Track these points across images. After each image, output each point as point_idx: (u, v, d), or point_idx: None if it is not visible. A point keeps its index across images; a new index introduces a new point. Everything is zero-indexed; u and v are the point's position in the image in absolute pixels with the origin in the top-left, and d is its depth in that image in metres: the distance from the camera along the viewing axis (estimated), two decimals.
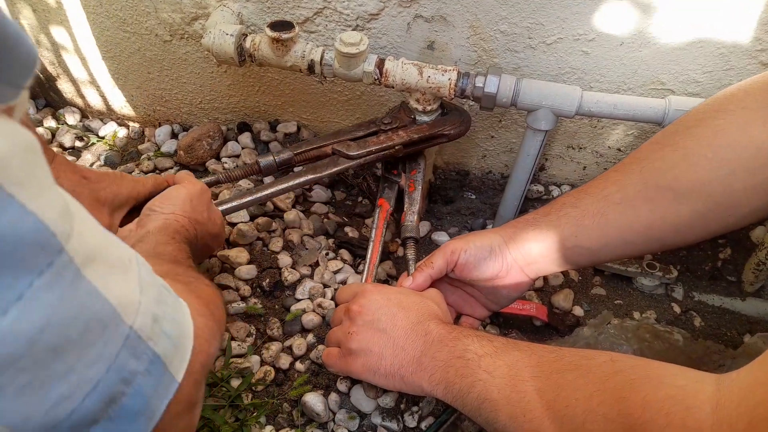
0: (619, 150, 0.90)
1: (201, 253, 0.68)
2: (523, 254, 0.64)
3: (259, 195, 0.77)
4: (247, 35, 0.81)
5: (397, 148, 0.77)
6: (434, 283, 0.67)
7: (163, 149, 1.06)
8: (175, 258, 0.53)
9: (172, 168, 1.03)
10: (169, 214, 0.60)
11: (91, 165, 1.04)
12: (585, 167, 0.94)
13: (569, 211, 0.62)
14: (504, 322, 0.85)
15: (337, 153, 0.78)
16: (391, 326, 0.59)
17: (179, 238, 0.57)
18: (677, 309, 0.89)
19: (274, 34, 0.76)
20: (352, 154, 0.77)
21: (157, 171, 1.03)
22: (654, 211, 0.58)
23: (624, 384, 0.43)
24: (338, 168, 0.78)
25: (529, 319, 0.84)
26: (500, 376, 0.51)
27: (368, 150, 0.77)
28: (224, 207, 0.75)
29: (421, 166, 0.81)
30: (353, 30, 0.82)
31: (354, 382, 0.70)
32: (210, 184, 0.79)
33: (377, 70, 0.77)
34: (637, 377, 0.43)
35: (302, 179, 0.77)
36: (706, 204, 0.56)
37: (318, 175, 0.77)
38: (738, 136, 0.54)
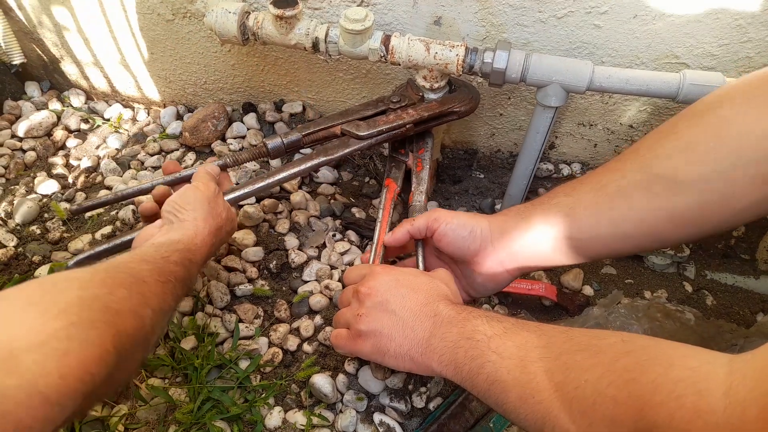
0: (630, 127, 0.88)
1: (216, 251, 0.70)
2: (505, 244, 0.63)
3: (270, 180, 0.75)
4: (250, 13, 0.80)
5: (407, 126, 0.76)
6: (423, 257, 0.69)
7: (168, 131, 1.05)
8: (167, 278, 0.54)
9: (177, 150, 1.02)
10: (191, 226, 0.62)
11: (97, 147, 1.03)
12: (596, 145, 0.92)
13: (562, 200, 0.61)
14: (513, 302, 0.84)
15: (346, 133, 0.77)
16: (400, 307, 0.59)
17: (188, 264, 0.59)
18: (689, 288, 0.88)
19: (278, 12, 0.74)
20: (362, 134, 0.76)
21: (163, 153, 1.02)
22: (650, 201, 0.56)
23: (634, 365, 0.42)
24: (349, 149, 0.76)
25: (538, 299, 0.84)
26: (509, 357, 0.51)
27: (379, 130, 0.76)
28: (235, 194, 0.73)
29: (428, 145, 0.80)
30: (358, 6, 0.80)
31: (362, 363, 0.70)
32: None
33: (383, 47, 0.76)
34: (648, 358, 0.42)
35: (313, 162, 0.76)
36: (704, 195, 0.55)
37: (329, 157, 0.76)
38: (742, 125, 0.53)
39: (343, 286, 0.78)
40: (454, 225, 0.64)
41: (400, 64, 0.77)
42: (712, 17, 0.72)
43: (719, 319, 0.83)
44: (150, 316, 0.48)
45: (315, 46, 0.78)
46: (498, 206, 0.97)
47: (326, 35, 0.77)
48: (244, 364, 0.70)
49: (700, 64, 0.76)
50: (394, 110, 0.78)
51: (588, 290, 0.86)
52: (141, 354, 0.49)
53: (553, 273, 0.88)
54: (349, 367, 0.70)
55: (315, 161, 0.76)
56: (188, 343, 0.71)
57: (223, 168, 0.78)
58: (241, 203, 0.86)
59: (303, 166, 0.75)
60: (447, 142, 0.98)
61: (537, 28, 0.78)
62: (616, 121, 0.88)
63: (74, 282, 0.43)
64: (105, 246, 0.69)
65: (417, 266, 0.70)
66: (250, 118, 1.02)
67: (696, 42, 0.74)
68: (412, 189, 0.77)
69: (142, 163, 1.00)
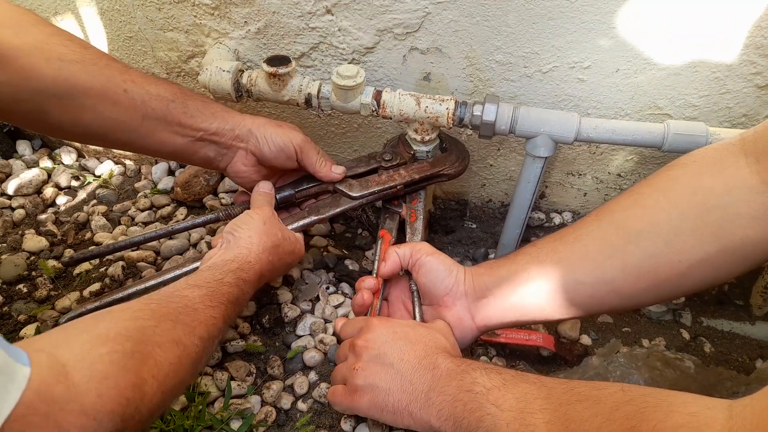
0: (619, 176, 0.90)
1: (280, 271, 0.74)
2: (476, 288, 0.65)
3: None
4: (243, 71, 0.82)
5: (398, 187, 0.78)
6: (398, 282, 0.72)
7: (160, 186, 1.05)
8: (219, 301, 0.58)
9: (169, 205, 1.02)
10: (244, 244, 0.66)
11: (87, 204, 1.03)
12: (585, 194, 0.94)
13: (528, 249, 0.65)
14: (510, 353, 0.83)
15: (338, 192, 0.78)
16: (398, 360, 0.58)
17: (241, 283, 0.62)
18: (686, 335, 0.87)
19: (271, 69, 0.76)
20: (354, 195, 0.78)
21: (154, 208, 1.02)
22: (603, 250, 0.59)
23: (634, 413, 0.42)
24: (340, 209, 0.78)
25: (536, 349, 0.83)
26: (509, 410, 0.50)
27: (371, 191, 0.78)
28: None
29: (421, 196, 0.81)
30: (349, 63, 0.83)
31: (359, 420, 0.67)
32: (209, 222, 0.80)
33: (375, 102, 0.77)
34: (648, 406, 0.42)
35: (305, 221, 0.77)
36: (655, 244, 0.57)
37: (321, 216, 0.78)
38: (689, 182, 0.57)
39: (338, 341, 0.77)
40: (434, 262, 0.66)
41: (391, 118, 0.78)
42: (692, 70, 0.75)
43: (719, 367, 0.82)
44: (196, 344, 0.53)
45: (308, 101, 0.79)
46: (491, 255, 0.98)
47: (318, 91, 0.79)
48: (236, 425, 0.67)
49: (682, 114, 0.79)
50: (386, 169, 0.80)
51: (586, 339, 0.85)
52: (188, 378, 0.53)
53: (550, 323, 0.87)
54: (346, 426, 0.67)
55: (306, 220, 0.77)
56: (178, 403, 0.69)
57: (216, 222, 0.79)
58: None
59: (295, 224, 0.76)
60: (438, 193, 0.99)
61: (523, 82, 0.80)
62: (604, 170, 0.89)
63: (127, 312, 0.50)
64: (95, 304, 0.68)
65: (414, 317, 0.69)
66: None
67: (677, 93, 0.77)
68: (407, 239, 0.77)
69: (133, 218, 1.00)
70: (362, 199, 0.78)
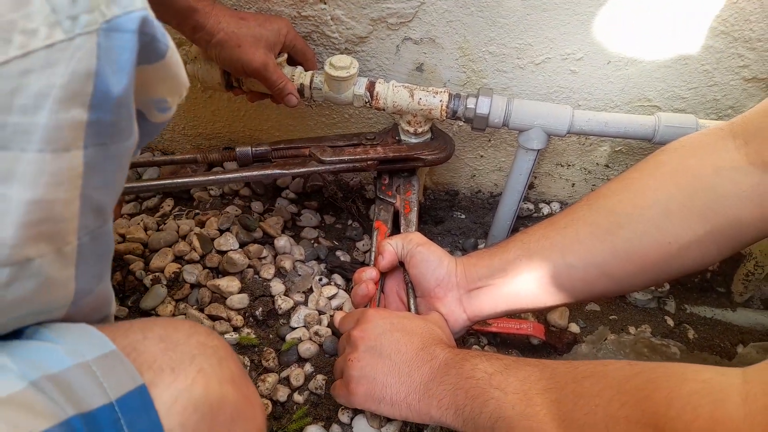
0: (606, 166, 0.91)
1: None
2: (467, 279, 0.65)
3: (221, 177, 0.80)
4: None
5: (370, 162, 0.78)
6: (393, 274, 0.71)
7: (145, 177, 1.03)
8: None
9: (154, 196, 1.00)
10: None
11: None
12: (574, 184, 0.95)
13: (519, 236, 0.65)
14: (501, 343, 0.84)
15: (312, 156, 0.79)
16: (395, 352, 0.58)
17: None
18: (671, 322, 0.89)
19: None
20: (325, 159, 0.78)
21: (139, 200, 1.00)
22: (593, 234, 0.60)
23: (645, 383, 0.42)
24: (306, 169, 0.79)
25: (526, 338, 0.84)
26: (513, 392, 0.50)
27: (341, 158, 0.78)
28: (178, 180, 0.79)
29: (415, 187, 0.81)
30: (342, 53, 0.82)
31: (356, 411, 0.68)
32: (183, 162, 0.87)
33: (368, 93, 0.77)
34: (659, 375, 0.42)
35: (267, 172, 0.78)
36: (645, 227, 0.57)
37: (284, 171, 0.78)
38: (678, 165, 0.58)
39: (334, 333, 0.77)
40: (426, 253, 0.66)
41: (384, 110, 0.78)
42: (681, 63, 0.76)
43: (702, 352, 0.84)
44: None
45: (300, 92, 0.78)
46: (481, 246, 0.98)
47: (311, 82, 0.78)
48: None
49: (671, 106, 0.80)
50: (364, 146, 0.80)
51: (574, 328, 0.87)
52: None
53: (540, 312, 0.88)
54: (343, 417, 0.68)
55: (269, 171, 0.78)
56: None
57: (193, 162, 0.85)
58: (224, 250, 0.84)
59: (256, 173, 0.79)
60: (428, 183, 0.99)
61: (516, 73, 0.81)
62: (592, 161, 0.91)
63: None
64: None
65: (409, 310, 0.69)
66: (230, 165, 1.01)
67: (667, 86, 0.78)
68: (401, 231, 0.77)
69: None
70: (331, 165, 0.78)
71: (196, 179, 0.80)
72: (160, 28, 0.32)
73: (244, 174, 0.79)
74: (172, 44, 0.34)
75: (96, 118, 0.30)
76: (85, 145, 0.30)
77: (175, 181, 0.80)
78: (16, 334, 0.33)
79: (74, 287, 0.34)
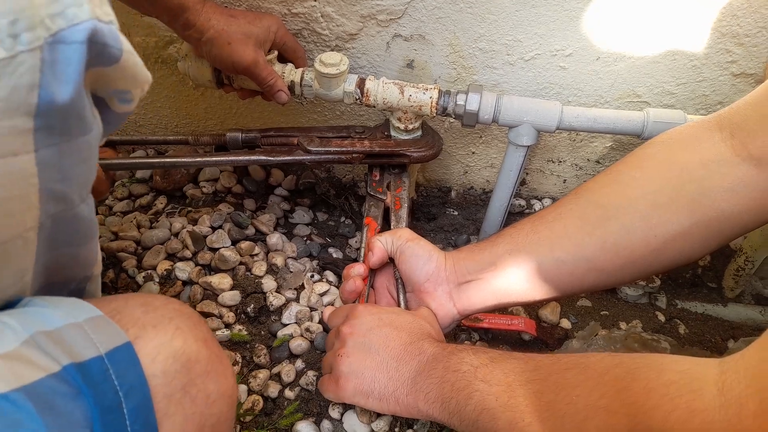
0: (597, 162, 0.91)
1: None
2: (457, 273, 0.65)
3: (200, 159, 0.81)
4: None
5: (354, 155, 0.79)
6: (384, 270, 0.72)
7: (138, 175, 1.03)
8: None
9: (147, 194, 1.00)
10: None
11: None
12: (565, 180, 0.95)
13: (508, 231, 0.65)
14: (493, 339, 0.84)
15: (299, 145, 0.80)
16: (383, 347, 0.58)
17: None
18: (662, 317, 0.90)
19: None
20: (311, 149, 0.78)
21: (132, 198, 1.00)
22: (582, 227, 0.60)
23: (625, 374, 0.42)
24: (291, 158, 0.79)
25: (517, 334, 0.84)
26: (497, 384, 0.50)
27: (326, 149, 0.79)
28: (166, 160, 0.83)
29: (405, 184, 0.81)
30: (332, 50, 0.82)
31: (347, 407, 0.68)
32: (177, 142, 0.88)
33: (358, 90, 0.77)
34: (638, 366, 0.42)
35: (252, 158, 0.80)
36: (632, 219, 0.58)
37: (269, 158, 0.79)
38: (665, 157, 0.58)
39: (325, 329, 0.77)
40: (415, 248, 0.66)
41: (375, 106, 0.78)
42: (670, 58, 0.76)
43: (693, 347, 0.85)
44: None
45: (290, 89, 0.78)
46: (474, 242, 0.98)
47: (301, 79, 0.78)
48: None
49: (660, 102, 0.80)
50: (352, 138, 0.81)
51: (566, 323, 0.87)
52: None
53: (531, 307, 0.89)
54: (334, 412, 0.68)
55: (254, 157, 0.80)
56: None
57: (185, 143, 0.86)
58: (216, 247, 0.84)
59: (240, 158, 0.80)
60: (421, 180, 0.99)
61: (506, 70, 0.81)
62: (583, 157, 0.91)
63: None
64: None
65: (398, 305, 0.69)
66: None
67: (656, 81, 0.78)
68: (392, 227, 0.78)
69: (111, 208, 0.98)
70: (317, 155, 0.79)
71: (182, 160, 0.81)
72: (112, 34, 0.33)
73: (230, 158, 0.80)
74: (127, 47, 0.35)
75: (43, 124, 0.31)
76: (36, 148, 0.32)
77: (162, 160, 0.83)
78: (11, 306, 0.37)
79: (32, 267, 0.37)
